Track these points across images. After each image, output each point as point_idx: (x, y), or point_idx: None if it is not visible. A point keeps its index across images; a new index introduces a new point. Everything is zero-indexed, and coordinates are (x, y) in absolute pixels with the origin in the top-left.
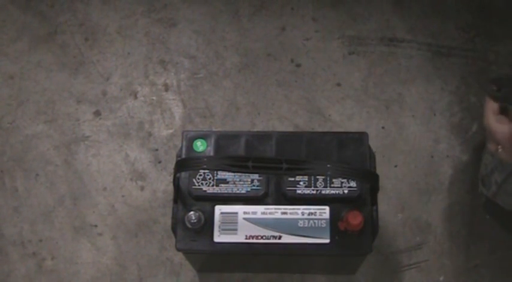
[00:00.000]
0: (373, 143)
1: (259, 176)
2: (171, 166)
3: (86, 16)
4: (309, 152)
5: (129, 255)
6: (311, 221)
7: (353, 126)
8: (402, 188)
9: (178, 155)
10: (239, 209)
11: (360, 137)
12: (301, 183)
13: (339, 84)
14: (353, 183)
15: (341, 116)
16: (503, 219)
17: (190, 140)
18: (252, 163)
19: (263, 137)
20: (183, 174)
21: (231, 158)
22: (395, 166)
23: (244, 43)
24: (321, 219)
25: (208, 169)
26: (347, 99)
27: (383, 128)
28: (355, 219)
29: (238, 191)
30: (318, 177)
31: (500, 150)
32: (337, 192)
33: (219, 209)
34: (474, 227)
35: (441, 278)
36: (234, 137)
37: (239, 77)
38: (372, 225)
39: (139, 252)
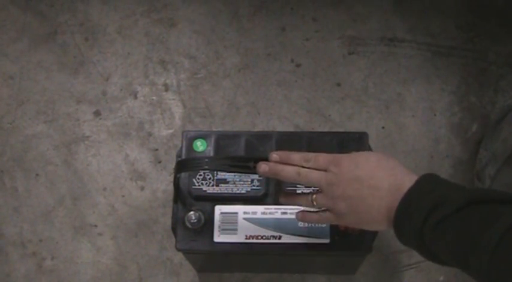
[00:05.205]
0: (373, 143)
1: (259, 176)
2: (171, 166)
3: (86, 16)
4: (309, 152)
5: (129, 255)
6: None
7: (353, 126)
8: None
9: (179, 155)
10: (239, 209)
11: (360, 137)
12: None
13: (339, 84)
14: None
15: (341, 116)
16: None
17: (190, 140)
18: (253, 163)
19: (263, 137)
20: (183, 174)
21: (233, 158)
22: None
23: (244, 43)
24: None
25: (209, 169)
26: (347, 99)
27: (383, 128)
28: None
29: (238, 191)
30: None
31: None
32: None
33: (219, 209)
34: None
35: (441, 278)
36: (234, 137)
37: (239, 77)
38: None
39: (139, 252)
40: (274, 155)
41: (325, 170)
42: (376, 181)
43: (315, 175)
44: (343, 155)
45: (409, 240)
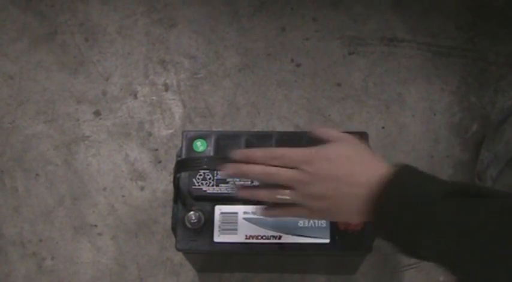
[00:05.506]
0: (373, 143)
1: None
2: (171, 166)
3: (86, 16)
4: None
5: (129, 255)
6: (311, 221)
7: (353, 126)
8: None
9: (178, 155)
10: (239, 209)
11: (360, 137)
12: None
13: (339, 84)
14: None
15: (341, 116)
16: None
17: (190, 140)
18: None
19: (263, 137)
20: (183, 174)
21: (231, 158)
22: None
23: (244, 43)
24: None
25: (209, 169)
26: (347, 99)
27: (383, 128)
28: None
29: None
30: None
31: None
32: None
33: (219, 209)
34: None
35: (441, 278)
36: (234, 137)
37: (239, 77)
38: (372, 225)
39: (139, 252)
40: (238, 154)
41: (295, 168)
42: (352, 177)
43: (284, 173)
44: (312, 151)
45: (387, 235)
